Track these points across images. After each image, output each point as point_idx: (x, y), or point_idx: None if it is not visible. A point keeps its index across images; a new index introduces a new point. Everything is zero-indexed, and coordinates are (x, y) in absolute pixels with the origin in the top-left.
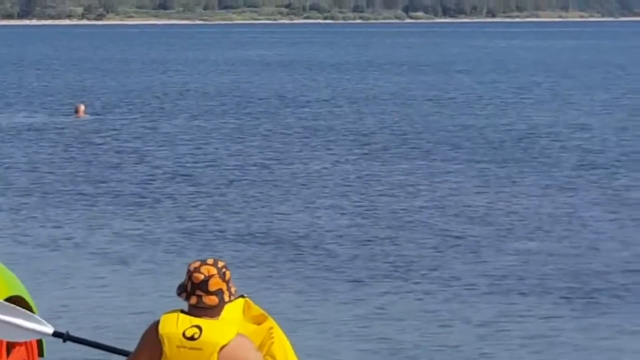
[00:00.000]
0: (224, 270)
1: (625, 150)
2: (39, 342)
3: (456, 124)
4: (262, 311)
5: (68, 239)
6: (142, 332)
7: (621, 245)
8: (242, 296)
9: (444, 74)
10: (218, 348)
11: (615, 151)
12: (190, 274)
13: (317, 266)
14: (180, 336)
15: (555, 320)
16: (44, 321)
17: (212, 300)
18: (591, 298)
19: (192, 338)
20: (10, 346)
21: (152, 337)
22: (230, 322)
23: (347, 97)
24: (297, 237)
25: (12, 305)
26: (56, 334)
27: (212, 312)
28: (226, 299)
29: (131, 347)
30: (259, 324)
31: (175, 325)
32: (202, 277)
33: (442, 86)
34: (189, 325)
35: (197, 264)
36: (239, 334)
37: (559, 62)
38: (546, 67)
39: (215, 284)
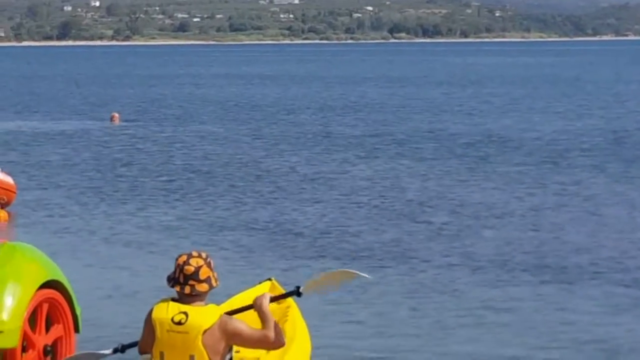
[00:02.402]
0: (209, 260)
1: (571, 147)
2: (75, 318)
3: (428, 128)
4: (284, 292)
5: (96, 229)
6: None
7: (572, 229)
8: (269, 279)
9: (419, 86)
10: (202, 331)
11: (562, 148)
12: (181, 267)
13: (307, 250)
14: (170, 321)
15: (516, 290)
16: (101, 352)
17: (204, 287)
18: (547, 273)
19: (179, 323)
20: (50, 323)
21: (149, 322)
22: (215, 308)
23: (336, 106)
24: (289, 227)
25: (82, 353)
26: (115, 351)
27: (201, 298)
28: (214, 284)
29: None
30: (279, 303)
31: (165, 311)
32: (192, 269)
33: (418, 96)
34: (177, 312)
35: (185, 257)
36: (222, 315)
37: (520, 76)
38: (509, 80)
39: (204, 272)
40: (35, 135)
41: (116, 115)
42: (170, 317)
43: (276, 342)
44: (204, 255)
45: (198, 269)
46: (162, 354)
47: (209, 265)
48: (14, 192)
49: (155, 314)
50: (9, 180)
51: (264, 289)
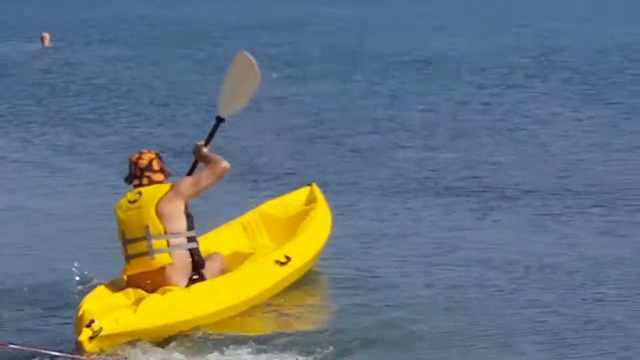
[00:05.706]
0: (159, 154)
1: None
2: None
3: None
4: (320, 197)
5: (34, 155)
6: None
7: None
8: (310, 185)
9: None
10: (154, 202)
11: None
12: (135, 162)
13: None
14: (127, 202)
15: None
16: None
17: (159, 176)
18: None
19: (134, 201)
20: None
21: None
22: (165, 184)
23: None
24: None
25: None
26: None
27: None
28: (167, 174)
29: None
30: (308, 205)
31: (124, 198)
32: (145, 162)
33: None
34: (133, 194)
35: (137, 154)
36: (173, 187)
37: None
38: None
39: (157, 164)
40: None
41: (46, 35)
42: (127, 200)
43: (225, 165)
44: (153, 151)
45: (151, 161)
46: (123, 233)
47: (159, 158)
48: None
49: (116, 204)
50: None
51: (304, 194)
